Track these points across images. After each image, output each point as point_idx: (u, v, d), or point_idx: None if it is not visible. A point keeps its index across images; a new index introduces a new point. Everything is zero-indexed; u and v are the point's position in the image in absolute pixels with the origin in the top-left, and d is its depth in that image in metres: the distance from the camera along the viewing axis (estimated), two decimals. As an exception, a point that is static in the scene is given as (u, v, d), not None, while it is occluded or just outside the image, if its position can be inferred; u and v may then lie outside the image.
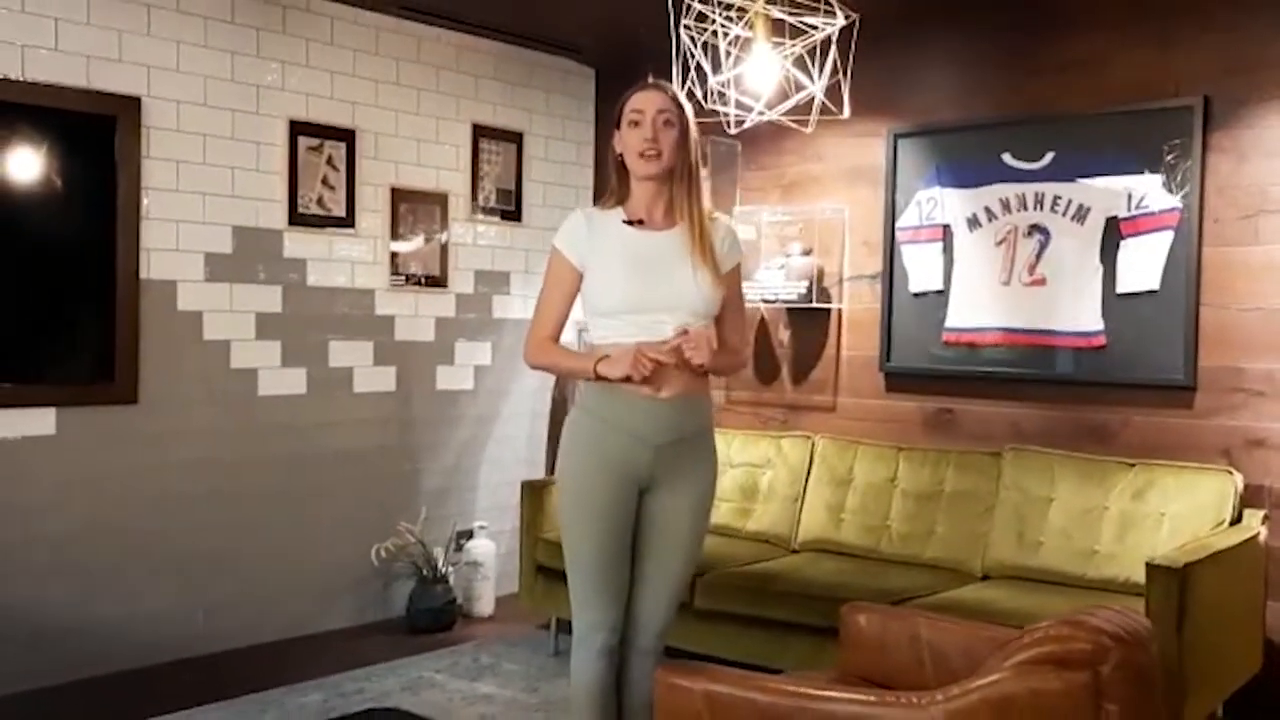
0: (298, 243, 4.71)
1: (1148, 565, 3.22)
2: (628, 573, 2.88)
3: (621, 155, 2.87)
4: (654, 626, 2.92)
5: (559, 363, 2.97)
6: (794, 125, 3.58)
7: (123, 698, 3.96)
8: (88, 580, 4.16)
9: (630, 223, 2.86)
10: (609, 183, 2.96)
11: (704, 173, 2.96)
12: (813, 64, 3.33)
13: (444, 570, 5.04)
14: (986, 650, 2.31)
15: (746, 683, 2.28)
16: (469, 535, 5.25)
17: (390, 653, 4.58)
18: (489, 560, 5.20)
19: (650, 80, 2.89)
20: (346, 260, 4.87)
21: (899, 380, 4.84)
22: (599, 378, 2.76)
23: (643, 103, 2.82)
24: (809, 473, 4.70)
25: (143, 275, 4.28)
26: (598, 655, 2.85)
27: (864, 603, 2.99)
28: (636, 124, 2.81)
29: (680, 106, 2.85)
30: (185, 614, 4.40)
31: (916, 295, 4.74)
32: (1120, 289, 4.21)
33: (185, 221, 4.39)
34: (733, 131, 3.64)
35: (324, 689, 4.13)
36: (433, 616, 4.93)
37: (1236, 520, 3.80)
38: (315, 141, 4.73)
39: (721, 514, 4.77)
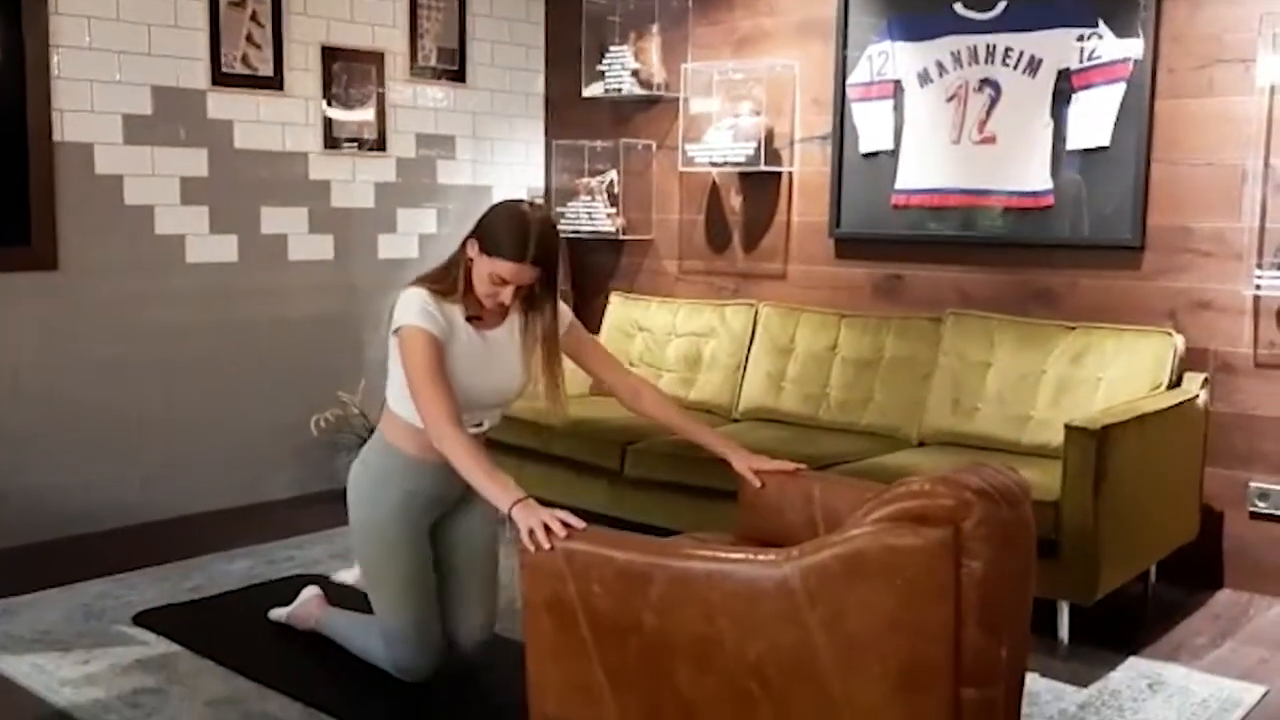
0: (222, 104, 4.53)
1: (1066, 427, 3.13)
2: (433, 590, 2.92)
3: (471, 261, 2.68)
4: (469, 639, 2.97)
5: (471, 470, 2.46)
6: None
7: (42, 566, 3.92)
8: (14, 448, 4.10)
9: (469, 318, 2.74)
10: (450, 273, 2.72)
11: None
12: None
13: (389, 441, 4.98)
14: (870, 510, 2.23)
15: (604, 540, 2.21)
16: (416, 406, 5.18)
17: (328, 522, 4.53)
18: (436, 431, 5.14)
19: (530, 247, 2.61)
20: (276, 123, 4.69)
21: (848, 246, 4.69)
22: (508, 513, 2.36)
23: (511, 275, 2.63)
24: (751, 341, 4.59)
25: (56, 137, 4.12)
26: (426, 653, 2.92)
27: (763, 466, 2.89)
28: (496, 282, 2.65)
29: (550, 271, 2.70)
30: (117, 483, 4.36)
31: (866, 156, 4.56)
32: (1070, 145, 4.03)
33: (99, 81, 4.21)
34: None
35: (253, 556, 4.11)
36: (376, 487, 4.88)
37: (1176, 384, 3.69)
38: (237, -4, 4.53)
39: (665, 383, 4.68)
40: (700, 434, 2.89)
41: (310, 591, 3.41)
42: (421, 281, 2.74)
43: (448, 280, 2.72)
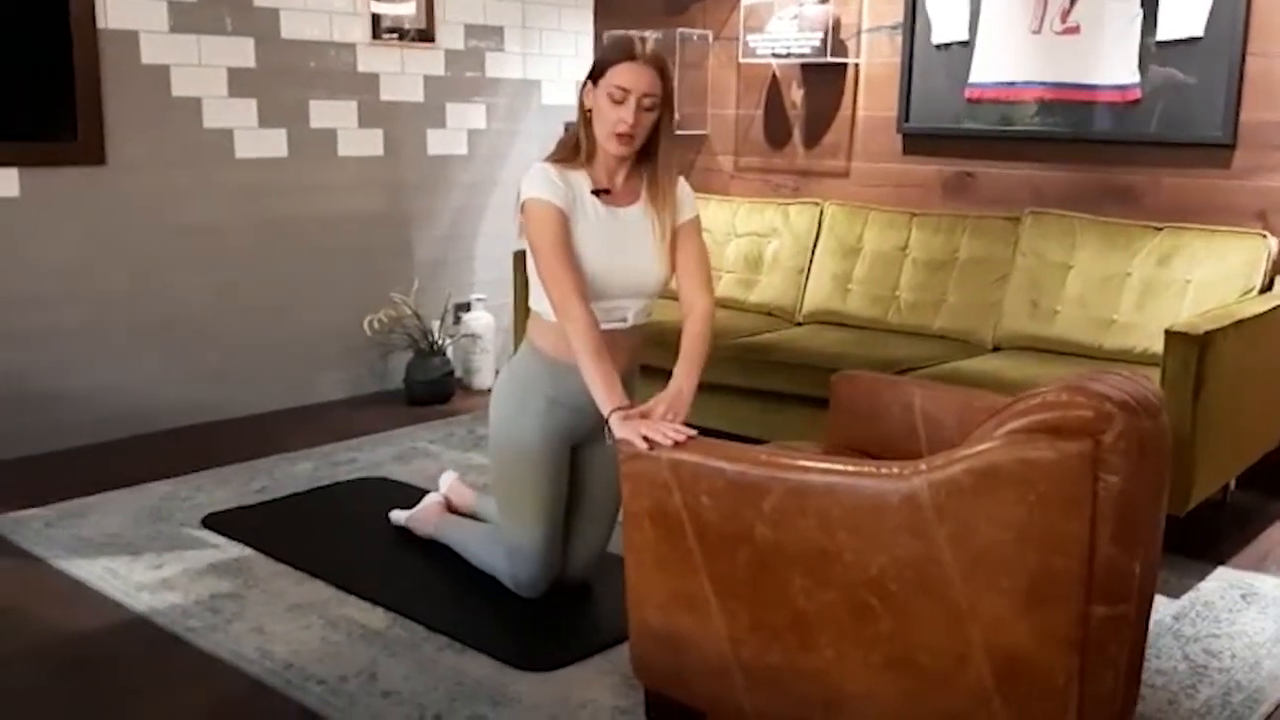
0: (267, -10, 4.36)
1: (1166, 332, 3.01)
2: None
3: (590, 112, 2.60)
4: (583, 560, 2.94)
5: (587, 357, 2.40)
6: None
7: (102, 467, 3.88)
8: (65, 347, 4.03)
9: (597, 192, 2.62)
10: (572, 136, 2.66)
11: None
12: None
13: (441, 342, 4.90)
14: (984, 419, 2.14)
15: (714, 451, 2.12)
16: (467, 308, 5.09)
17: (385, 424, 4.50)
18: (488, 333, 5.06)
19: (641, 48, 2.54)
20: (323, 11, 4.51)
21: (918, 142, 4.52)
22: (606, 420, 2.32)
23: (629, 80, 2.52)
24: (816, 242, 4.46)
25: (100, 25, 3.97)
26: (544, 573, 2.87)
27: (856, 371, 2.81)
28: (616, 101, 2.53)
29: (667, 84, 2.58)
30: (168, 383, 4.30)
31: (939, 47, 4.36)
32: (1161, 36, 3.83)
33: (142, -35, 4.05)
34: None
35: (314, 458, 4.06)
36: (430, 389, 4.83)
37: (1268, 288, 3.56)
38: (281, -124, 4.31)
39: (725, 286, 4.57)
40: (677, 367, 2.63)
41: (433, 498, 3.33)
42: (545, 159, 2.66)
43: (569, 145, 2.64)
